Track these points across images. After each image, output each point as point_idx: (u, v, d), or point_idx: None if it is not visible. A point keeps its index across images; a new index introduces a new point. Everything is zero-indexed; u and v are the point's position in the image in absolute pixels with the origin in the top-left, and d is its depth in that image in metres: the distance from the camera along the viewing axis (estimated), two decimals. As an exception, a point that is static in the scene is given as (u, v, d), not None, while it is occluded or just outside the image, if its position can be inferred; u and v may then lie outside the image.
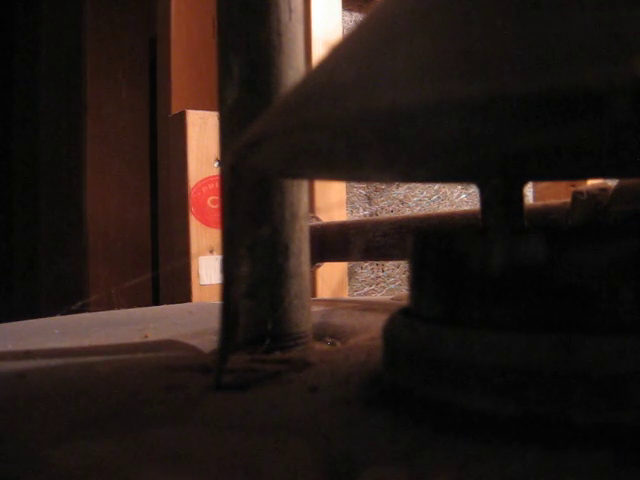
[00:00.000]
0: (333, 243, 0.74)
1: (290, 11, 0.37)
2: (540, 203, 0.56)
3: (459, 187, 1.25)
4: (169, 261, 1.00)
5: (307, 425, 0.22)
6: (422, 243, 0.25)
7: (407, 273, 0.27)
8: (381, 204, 1.20)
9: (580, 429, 0.19)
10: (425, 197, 1.25)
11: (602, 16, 0.15)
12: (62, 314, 0.57)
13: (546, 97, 0.15)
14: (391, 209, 1.22)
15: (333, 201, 1.03)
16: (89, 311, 0.63)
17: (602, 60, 0.14)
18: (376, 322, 0.43)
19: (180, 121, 0.97)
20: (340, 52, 0.22)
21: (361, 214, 1.17)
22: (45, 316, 0.57)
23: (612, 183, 0.47)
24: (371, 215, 1.18)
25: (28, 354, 0.37)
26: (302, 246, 0.38)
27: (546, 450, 0.19)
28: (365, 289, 1.18)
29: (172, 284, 1.00)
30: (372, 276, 1.19)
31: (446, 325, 0.23)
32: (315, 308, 0.48)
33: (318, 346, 0.38)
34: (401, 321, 0.25)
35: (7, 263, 1.62)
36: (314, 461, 0.19)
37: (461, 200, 1.28)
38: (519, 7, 0.17)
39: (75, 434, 0.22)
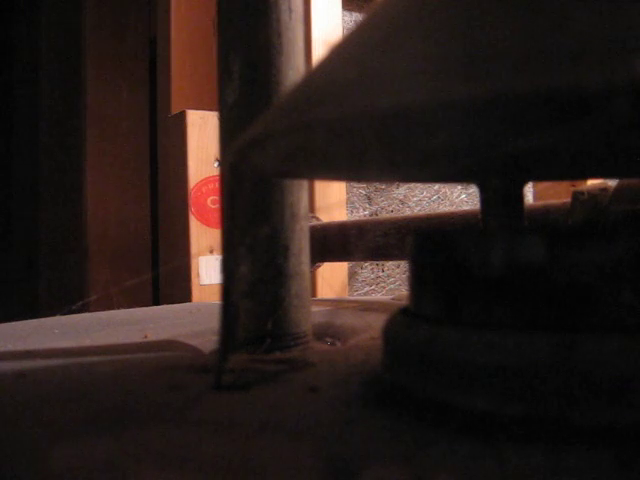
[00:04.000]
0: (333, 243, 0.74)
1: (290, 11, 0.37)
2: (540, 203, 0.56)
3: (459, 187, 1.25)
4: (169, 261, 1.00)
5: (307, 425, 0.22)
6: (422, 243, 0.25)
7: (407, 273, 0.27)
8: (381, 204, 1.20)
9: (580, 429, 0.19)
10: (425, 197, 1.25)
11: (602, 16, 0.15)
12: (62, 314, 0.57)
13: (546, 97, 0.15)
14: (391, 209, 1.22)
15: (333, 201, 1.03)
16: (89, 311, 0.63)
17: (602, 60, 0.14)
18: (376, 322, 0.43)
19: (180, 121, 0.97)
20: (340, 52, 0.22)
21: (361, 214, 1.17)
22: (45, 316, 0.57)
23: (612, 183, 0.47)
24: (371, 215, 1.18)
25: (28, 354, 0.37)
26: (302, 246, 0.38)
27: (546, 450, 0.19)
28: (365, 289, 1.18)
29: (172, 284, 1.00)
30: (372, 276, 1.19)
31: (446, 325, 0.23)
32: (315, 308, 0.48)
33: (318, 346, 0.38)
34: (401, 321, 0.25)
35: (7, 263, 1.62)
36: (314, 461, 0.19)
37: (461, 200, 1.28)
38: (519, 7, 0.17)
39: (75, 434, 0.22)
